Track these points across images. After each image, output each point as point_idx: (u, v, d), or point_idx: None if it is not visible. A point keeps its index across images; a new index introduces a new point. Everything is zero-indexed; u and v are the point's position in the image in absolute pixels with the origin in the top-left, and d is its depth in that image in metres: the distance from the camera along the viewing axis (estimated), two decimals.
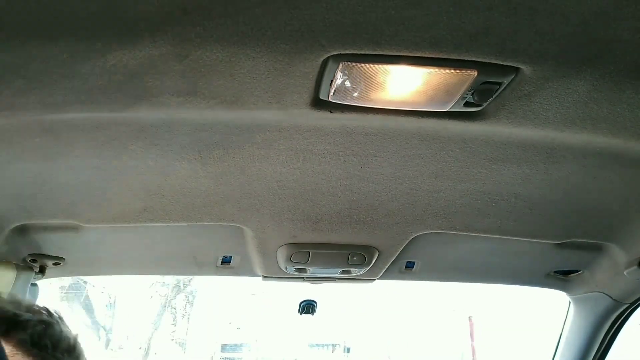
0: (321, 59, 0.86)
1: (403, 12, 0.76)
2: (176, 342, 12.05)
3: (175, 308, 12.00)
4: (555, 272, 1.87)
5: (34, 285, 1.75)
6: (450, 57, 0.85)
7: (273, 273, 1.75)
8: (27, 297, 1.74)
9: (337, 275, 1.72)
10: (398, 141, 1.14)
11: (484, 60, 0.86)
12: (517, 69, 0.88)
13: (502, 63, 0.86)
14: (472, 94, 0.94)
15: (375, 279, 1.81)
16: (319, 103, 0.99)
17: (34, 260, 1.64)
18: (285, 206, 1.38)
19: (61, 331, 0.94)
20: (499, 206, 1.39)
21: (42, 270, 1.69)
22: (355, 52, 0.84)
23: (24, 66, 0.84)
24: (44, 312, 0.96)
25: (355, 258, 1.60)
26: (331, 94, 0.95)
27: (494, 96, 0.94)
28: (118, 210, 1.37)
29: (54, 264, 1.67)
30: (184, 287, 11.80)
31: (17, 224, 1.40)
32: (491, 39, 0.81)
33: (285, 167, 1.22)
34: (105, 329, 10.07)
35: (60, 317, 0.97)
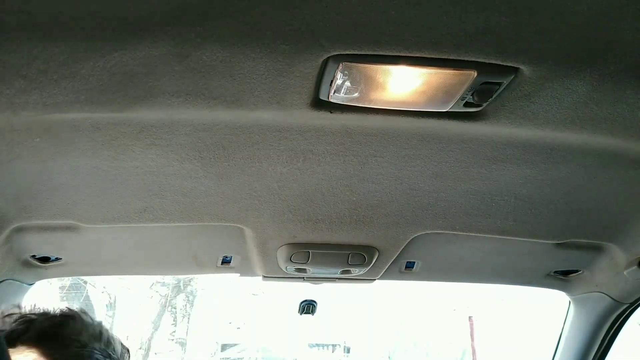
0: (321, 59, 0.86)
1: (403, 12, 0.76)
2: (176, 342, 12.06)
3: (175, 308, 12.00)
4: (555, 272, 1.87)
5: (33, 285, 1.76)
6: (450, 57, 0.85)
7: (273, 273, 1.75)
8: (25, 297, 1.74)
9: (337, 275, 1.72)
10: (398, 141, 1.14)
11: (483, 60, 0.86)
12: (517, 69, 0.88)
13: (502, 63, 0.86)
14: (472, 94, 0.94)
15: (375, 279, 1.81)
16: (319, 103, 0.99)
17: (34, 260, 1.64)
18: (285, 206, 1.38)
19: (80, 323, 0.98)
20: (499, 206, 1.39)
21: (42, 270, 1.69)
22: (355, 53, 0.84)
23: (24, 66, 0.84)
24: (51, 311, 1.00)
25: (355, 258, 1.59)
26: (331, 94, 0.95)
27: (493, 96, 0.94)
28: (118, 210, 1.37)
29: (53, 264, 1.67)
30: (184, 287, 11.81)
31: (17, 224, 1.40)
32: (491, 39, 0.81)
33: (285, 167, 1.22)
34: None
35: (79, 311, 1.02)
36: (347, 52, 0.84)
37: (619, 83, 0.91)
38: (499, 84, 0.91)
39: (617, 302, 1.82)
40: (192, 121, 1.07)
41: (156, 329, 11.12)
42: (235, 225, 1.46)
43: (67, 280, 8.93)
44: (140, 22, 0.77)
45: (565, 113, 1.00)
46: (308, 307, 2.16)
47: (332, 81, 0.91)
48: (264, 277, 1.80)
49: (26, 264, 1.63)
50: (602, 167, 1.23)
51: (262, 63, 0.86)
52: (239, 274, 1.84)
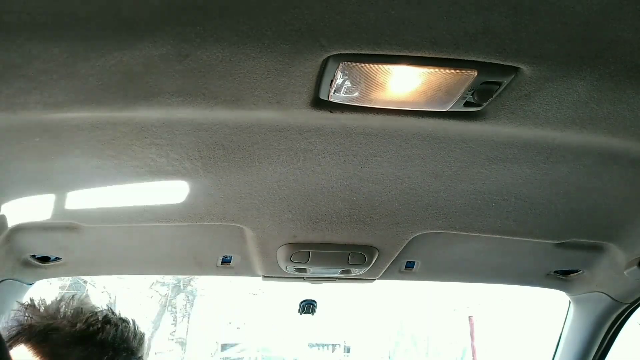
0: (321, 59, 0.86)
1: (403, 12, 0.76)
2: (176, 342, 12.06)
3: (175, 308, 12.01)
4: (555, 272, 1.86)
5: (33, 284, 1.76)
6: (450, 57, 0.85)
7: (273, 273, 1.75)
8: (25, 297, 1.74)
9: (337, 275, 1.72)
10: (398, 141, 1.14)
11: (484, 60, 0.85)
12: (517, 69, 0.88)
13: (502, 63, 0.86)
14: (472, 94, 0.94)
15: (375, 279, 1.81)
16: (319, 103, 0.99)
17: (34, 260, 1.64)
18: (285, 206, 1.38)
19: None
20: (499, 206, 1.39)
21: (41, 270, 1.69)
22: (355, 52, 0.84)
23: (25, 66, 0.84)
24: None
25: (355, 258, 1.59)
26: (331, 94, 0.94)
27: (494, 96, 0.94)
28: (118, 210, 1.37)
29: (53, 263, 1.67)
30: (184, 287, 11.82)
31: (17, 224, 1.40)
32: (491, 39, 0.81)
33: (285, 167, 1.22)
34: None
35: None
36: (347, 52, 0.84)
37: (619, 83, 0.91)
38: (499, 84, 0.91)
39: (617, 302, 1.82)
40: (192, 121, 1.07)
41: (156, 329, 11.12)
42: (235, 225, 1.46)
43: (67, 280, 8.93)
44: (140, 22, 0.77)
45: (566, 113, 1.00)
46: (308, 307, 2.16)
47: (332, 81, 0.91)
48: (264, 277, 1.80)
49: (26, 264, 1.63)
50: (602, 167, 1.23)
51: (262, 63, 0.86)
52: (238, 274, 1.84)
